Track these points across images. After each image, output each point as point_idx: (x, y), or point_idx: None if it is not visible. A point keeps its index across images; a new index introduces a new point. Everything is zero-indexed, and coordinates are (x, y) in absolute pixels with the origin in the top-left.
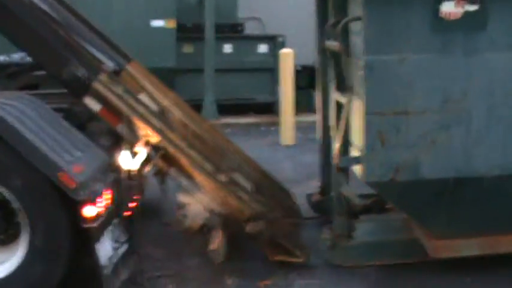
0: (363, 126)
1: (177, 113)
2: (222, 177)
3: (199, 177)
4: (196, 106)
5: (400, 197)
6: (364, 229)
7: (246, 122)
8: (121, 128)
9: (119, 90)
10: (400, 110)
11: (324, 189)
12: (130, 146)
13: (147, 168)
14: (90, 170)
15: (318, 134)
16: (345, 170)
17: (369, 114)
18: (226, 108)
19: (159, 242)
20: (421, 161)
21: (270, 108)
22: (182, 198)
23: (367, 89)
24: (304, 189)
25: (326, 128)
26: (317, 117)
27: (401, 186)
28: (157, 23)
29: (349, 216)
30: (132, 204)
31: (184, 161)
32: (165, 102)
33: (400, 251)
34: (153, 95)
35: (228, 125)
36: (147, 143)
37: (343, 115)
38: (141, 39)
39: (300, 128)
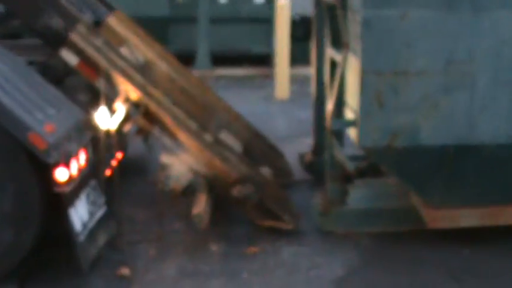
0: (358, 87)
1: (163, 67)
2: (208, 137)
3: (183, 137)
4: (190, 57)
5: (397, 164)
6: (358, 195)
7: (240, 74)
8: (99, 83)
9: (98, 42)
10: (400, 70)
11: (317, 149)
12: (109, 103)
13: (127, 127)
14: (63, 129)
15: (312, 90)
16: (338, 133)
17: (366, 73)
18: (220, 60)
19: (141, 203)
20: (421, 126)
21: (266, 60)
22: (165, 158)
23: (365, 46)
24: (298, 147)
25: (320, 84)
26: (311, 72)
27: (398, 152)
28: None
29: (342, 180)
30: (111, 165)
31: (167, 119)
32: (150, 56)
33: (395, 218)
34: (137, 47)
35: (221, 77)
36: (127, 100)
37: (338, 73)
38: None
39: (295, 81)
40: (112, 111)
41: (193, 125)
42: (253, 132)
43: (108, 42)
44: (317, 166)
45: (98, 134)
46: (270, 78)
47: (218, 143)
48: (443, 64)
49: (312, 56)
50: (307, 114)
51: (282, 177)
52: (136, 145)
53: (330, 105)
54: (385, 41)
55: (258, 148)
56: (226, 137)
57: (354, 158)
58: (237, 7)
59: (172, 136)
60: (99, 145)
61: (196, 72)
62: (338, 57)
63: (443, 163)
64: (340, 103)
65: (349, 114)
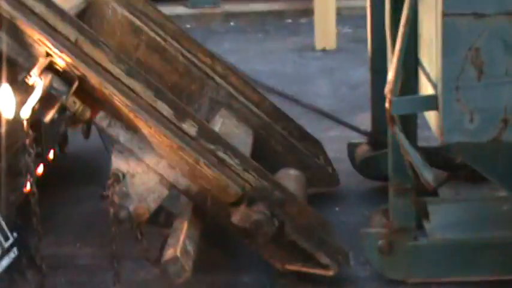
0: (440, 41)
1: (119, 9)
2: (190, 129)
3: (149, 129)
4: None
5: (509, 171)
6: (444, 218)
7: (261, 11)
8: (1, 41)
9: None
10: None
11: (377, 137)
12: (17, 74)
13: (50, 113)
14: None
15: (369, 38)
16: (407, 118)
17: (452, 16)
18: None
19: (83, 237)
20: None
21: None
22: (120, 165)
23: None
24: (347, 133)
25: (379, 30)
26: (367, 7)
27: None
28: None
29: (416, 194)
30: (30, 175)
31: (120, 100)
32: None
33: (508, 259)
34: None
35: (230, 16)
36: (49, 68)
37: (404, 15)
38: None
39: (346, 19)
40: (24, 87)
41: (164, 108)
42: (272, 110)
43: None
44: (377, 165)
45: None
46: (306, 15)
47: (207, 134)
48: None
49: None
50: (363, 75)
51: (318, 184)
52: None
53: (391, 72)
54: None
55: (280, 139)
56: (224, 121)
57: (434, 153)
58: None
59: (131, 127)
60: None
61: (190, 10)
62: None
63: None
64: (410, 67)
65: (427, 87)
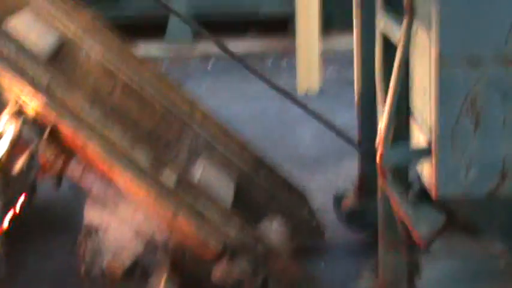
0: (434, 88)
1: (93, 50)
2: (169, 175)
3: (124, 180)
4: (155, 23)
5: (506, 227)
6: (437, 274)
7: (242, 51)
8: None
9: None
10: None
11: (364, 187)
12: None
13: (19, 162)
14: None
15: (356, 80)
16: (397, 172)
17: (449, 62)
18: (209, 26)
19: None
20: None
21: (282, 26)
22: (93, 216)
23: (446, 12)
24: (333, 181)
25: (368, 73)
26: (354, 49)
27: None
28: None
29: (409, 250)
30: None
31: (95, 146)
32: (72, 29)
33: None
34: (47, 14)
35: (208, 57)
36: (20, 112)
37: (396, 62)
38: None
39: (330, 60)
40: None
41: (141, 156)
42: (254, 157)
43: None
44: (365, 217)
45: None
46: (289, 55)
47: (186, 185)
48: None
49: (355, 23)
50: (349, 118)
51: (303, 236)
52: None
53: (383, 121)
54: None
55: (263, 187)
56: (203, 171)
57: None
58: None
59: (105, 177)
60: None
61: (167, 49)
62: (395, 34)
63: None
64: (401, 116)
65: (419, 137)
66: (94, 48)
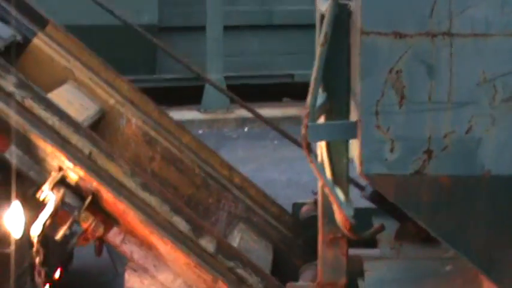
0: (358, 60)
1: (133, 120)
2: (208, 245)
3: (165, 246)
4: (191, 90)
5: (435, 211)
6: (381, 276)
7: (275, 116)
8: (11, 155)
9: (8, 84)
10: (439, 29)
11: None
12: (28, 190)
13: (61, 230)
14: None
15: None
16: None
17: (370, 34)
18: (242, 93)
19: None
20: (483, 138)
21: None
22: (133, 282)
23: None
24: None
25: None
26: None
27: (438, 188)
28: None
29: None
30: None
31: (135, 212)
32: (111, 101)
33: None
34: (86, 86)
35: (245, 122)
36: (61, 182)
37: (323, 34)
38: None
39: None
40: (32, 204)
41: (182, 224)
42: (292, 223)
43: (25, 81)
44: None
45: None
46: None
47: (226, 250)
48: None
49: None
50: None
51: None
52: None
53: (308, 95)
54: None
55: (302, 253)
56: (242, 235)
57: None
58: (270, 6)
59: (146, 244)
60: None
61: (203, 115)
62: (323, 6)
63: None
64: (341, 95)
65: (354, 115)
66: (134, 115)
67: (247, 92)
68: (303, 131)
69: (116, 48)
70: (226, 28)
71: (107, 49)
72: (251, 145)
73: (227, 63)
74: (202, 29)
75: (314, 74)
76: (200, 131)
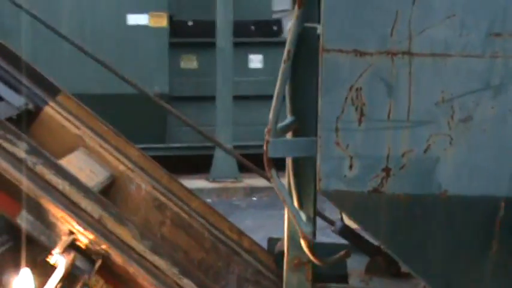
0: (320, 77)
1: (142, 185)
2: None
3: None
4: (202, 159)
5: (394, 230)
6: None
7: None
8: (22, 220)
9: (20, 151)
10: (399, 48)
11: None
12: (39, 254)
13: None
14: None
15: None
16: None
17: (331, 51)
18: (251, 162)
19: None
20: (441, 157)
21: None
22: None
23: (329, 1)
24: None
25: None
26: None
27: (396, 206)
28: (137, 18)
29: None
30: None
31: (145, 278)
32: (121, 167)
33: None
34: (97, 154)
35: (254, 190)
36: (72, 247)
37: (286, 51)
38: (110, 45)
39: None
40: (41, 269)
41: (191, 286)
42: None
43: (37, 148)
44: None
45: None
46: None
47: None
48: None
49: None
50: None
51: None
52: None
53: (271, 111)
54: None
55: None
56: None
57: None
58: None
59: None
60: None
61: (211, 184)
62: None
63: (493, 233)
64: (310, 112)
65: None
66: (144, 181)
67: (256, 161)
68: (264, 147)
69: (127, 117)
70: (236, 98)
71: (117, 118)
72: (260, 214)
73: (236, 133)
74: (212, 98)
75: (276, 90)
76: (209, 200)
